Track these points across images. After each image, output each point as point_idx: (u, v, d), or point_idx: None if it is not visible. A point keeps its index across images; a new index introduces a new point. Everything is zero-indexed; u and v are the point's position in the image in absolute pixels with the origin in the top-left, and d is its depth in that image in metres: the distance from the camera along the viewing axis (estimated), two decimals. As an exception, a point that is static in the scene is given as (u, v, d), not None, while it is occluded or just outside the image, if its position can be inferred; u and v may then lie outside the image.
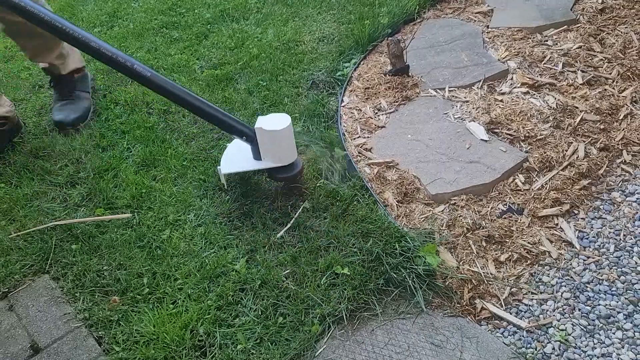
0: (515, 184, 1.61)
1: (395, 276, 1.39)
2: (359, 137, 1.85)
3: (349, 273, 1.41)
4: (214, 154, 1.86)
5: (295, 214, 1.61)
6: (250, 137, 1.62)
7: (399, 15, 2.41)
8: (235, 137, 1.65)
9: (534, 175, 1.63)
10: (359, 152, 1.78)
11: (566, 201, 1.54)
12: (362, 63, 2.18)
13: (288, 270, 1.45)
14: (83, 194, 1.76)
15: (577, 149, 1.68)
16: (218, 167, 1.71)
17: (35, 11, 1.41)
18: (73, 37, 1.44)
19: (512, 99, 1.89)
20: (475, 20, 2.36)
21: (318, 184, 1.70)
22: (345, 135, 1.85)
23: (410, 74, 2.06)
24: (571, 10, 2.30)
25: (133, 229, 1.62)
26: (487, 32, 2.26)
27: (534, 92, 1.90)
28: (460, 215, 1.53)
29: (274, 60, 2.26)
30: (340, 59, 2.21)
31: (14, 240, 1.59)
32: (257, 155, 1.66)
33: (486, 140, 1.74)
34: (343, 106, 1.98)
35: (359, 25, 2.38)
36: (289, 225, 1.59)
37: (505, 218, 1.53)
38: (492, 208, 1.56)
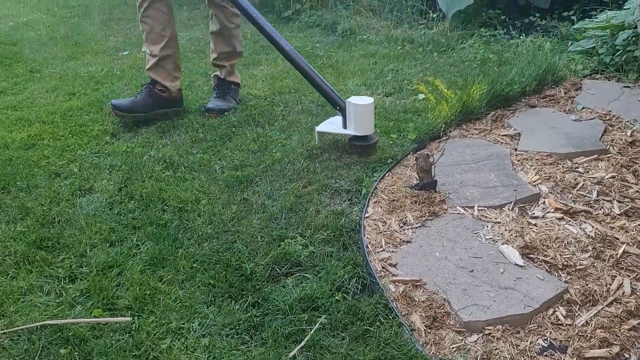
0: (556, 317, 1.46)
1: (424, 416, 1.20)
2: (383, 250, 1.73)
3: (370, 408, 1.23)
4: (227, 257, 1.74)
5: (311, 330, 1.46)
6: (342, 108, 2.25)
7: (425, 132, 2.40)
8: (331, 105, 2.31)
9: (576, 309, 1.48)
10: (382, 267, 1.66)
11: (615, 342, 1.38)
12: (387, 175, 2.12)
13: (300, 399, 1.27)
14: (82, 291, 1.62)
15: (622, 283, 1.54)
16: (316, 126, 2.34)
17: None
18: (256, 21, 2.35)
19: (547, 224, 1.79)
20: (502, 143, 2.34)
21: (337, 298, 1.56)
22: (368, 248, 1.73)
23: (437, 189, 1.99)
24: (600, 140, 2.27)
25: (131, 335, 1.46)
26: (515, 155, 2.23)
27: (569, 219, 1.81)
28: (496, 349, 1.37)
29: (297, 165, 2.22)
30: (366, 169, 2.16)
31: (-2, 338, 1.43)
32: (344, 125, 2.27)
33: (521, 266, 1.61)
34: (367, 217, 1.89)
35: (385, 138, 2.36)
36: (302, 344, 1.42)
37: (546, 356, 1.36)
38: (531, 343, 1.39)
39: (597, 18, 3.29)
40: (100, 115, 2.75)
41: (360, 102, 2.18)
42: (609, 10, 3.27)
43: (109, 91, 3.04)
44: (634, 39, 2.82)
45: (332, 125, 2.34)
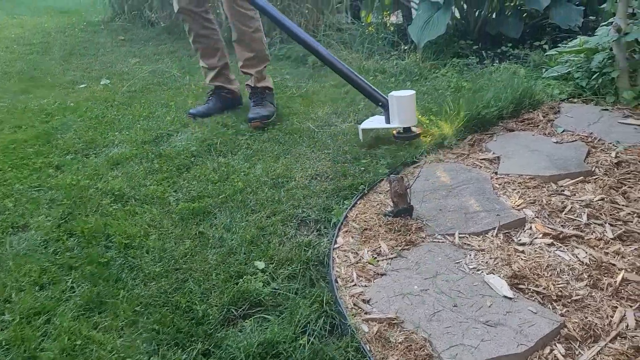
0: (554, 356, 1.26)
1: None
2: (355, 285, 1.52)
3: None
4: (176, 298, 1.51)
5: (270, 383, 1.23)
6: (383, 104, 2.34)
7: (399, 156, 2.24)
8: (373, 102, 2.41)
9: (576, 347, 1.28)
10: (354, 304, 1.44)
11: (626, 384, 1.18)
12: (359, 202, 1.93)
13: None
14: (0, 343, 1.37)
15: (624, 315, 1.36)
16: (358, 125, 2.42)
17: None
18: (292, 32, 2.46)
19: (535, 251, 1.61)
20: (481, 167, 2.18)
21: (301, 342, 1.34)
22: (337, 283, 1.52)
23: (413, 216, 1.80)
24: (585, 162, 2.13)
25: (51, 396, 1.21)
26: (496, 179, 2.07)
27: (560, 244, 1.63)
28: (489, 397, 1.16)
29: (260, 195, 2.02)
30: (336, 197, 1.97)
31: None
32: (387, 120, 2.35)
33: (510, 298, 1.42)
34: (336, 248, 1.68)
35: (357, 165, 2.19)
36: (260, 399, 1.19)
37: (548, 403, 1.15)
38: (528, 388, 1.18)
39: (569, 44, 3.22)
40: (46, 147, 2.53)
41: (402, 95, 2.26)
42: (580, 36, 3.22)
43: (59, 123, 2.82)
44: (609, 60, 2.74)
45: (374, 122, 2.44)
